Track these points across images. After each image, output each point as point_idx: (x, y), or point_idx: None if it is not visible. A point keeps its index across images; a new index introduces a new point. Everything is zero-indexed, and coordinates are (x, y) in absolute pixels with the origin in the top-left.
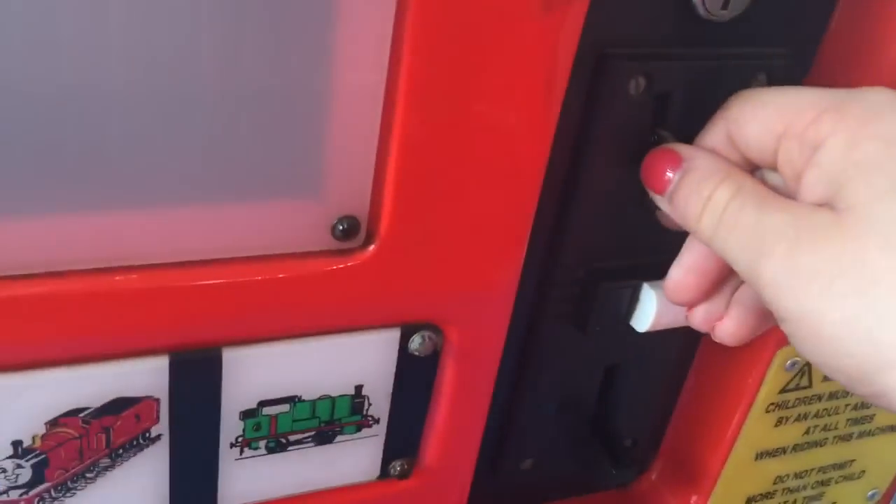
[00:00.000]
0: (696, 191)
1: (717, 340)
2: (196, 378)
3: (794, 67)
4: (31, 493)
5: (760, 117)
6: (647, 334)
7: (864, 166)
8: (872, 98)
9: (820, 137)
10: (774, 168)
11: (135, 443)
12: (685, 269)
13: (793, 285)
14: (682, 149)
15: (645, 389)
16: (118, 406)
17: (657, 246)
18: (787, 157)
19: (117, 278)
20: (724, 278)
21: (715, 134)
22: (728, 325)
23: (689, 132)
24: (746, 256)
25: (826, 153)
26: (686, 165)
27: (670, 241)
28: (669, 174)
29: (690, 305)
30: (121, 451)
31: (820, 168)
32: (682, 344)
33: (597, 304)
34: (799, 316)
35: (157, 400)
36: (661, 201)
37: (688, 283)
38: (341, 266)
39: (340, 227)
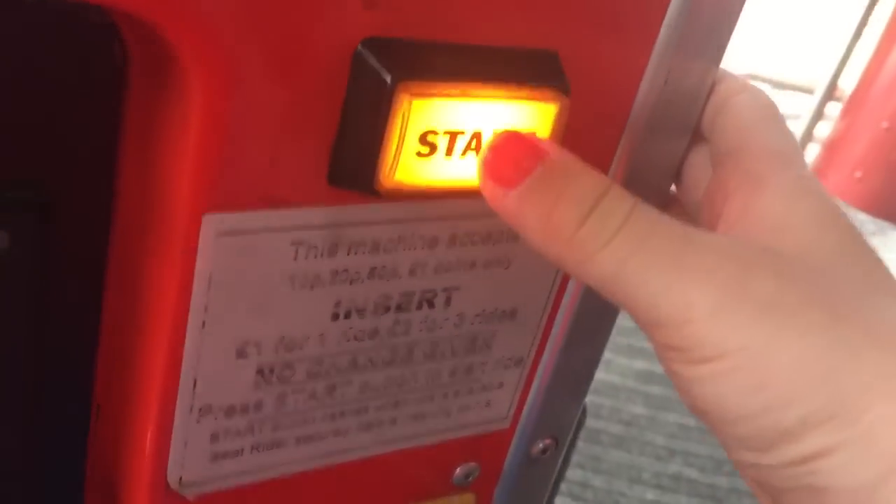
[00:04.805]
0: (571, 192)
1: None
2: None
3: None
4: None
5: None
6: None
7: (816, 217)
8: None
9: (767, 173)
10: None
11: None
12: None
13: (743, 316)
14: (538, 139)
15: None
16: None
17: None
18: (724, 173)
19: None
20: None
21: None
22: None
23: None
24: (665, 281)
25: (774, 191)
26: (552, 158)
27: None
28: (528, 164)
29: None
30: None
31: (762, 203)
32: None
33: None
34: (742, 351)
35: None
36: (497, 199)
37: None
38: None
39: None
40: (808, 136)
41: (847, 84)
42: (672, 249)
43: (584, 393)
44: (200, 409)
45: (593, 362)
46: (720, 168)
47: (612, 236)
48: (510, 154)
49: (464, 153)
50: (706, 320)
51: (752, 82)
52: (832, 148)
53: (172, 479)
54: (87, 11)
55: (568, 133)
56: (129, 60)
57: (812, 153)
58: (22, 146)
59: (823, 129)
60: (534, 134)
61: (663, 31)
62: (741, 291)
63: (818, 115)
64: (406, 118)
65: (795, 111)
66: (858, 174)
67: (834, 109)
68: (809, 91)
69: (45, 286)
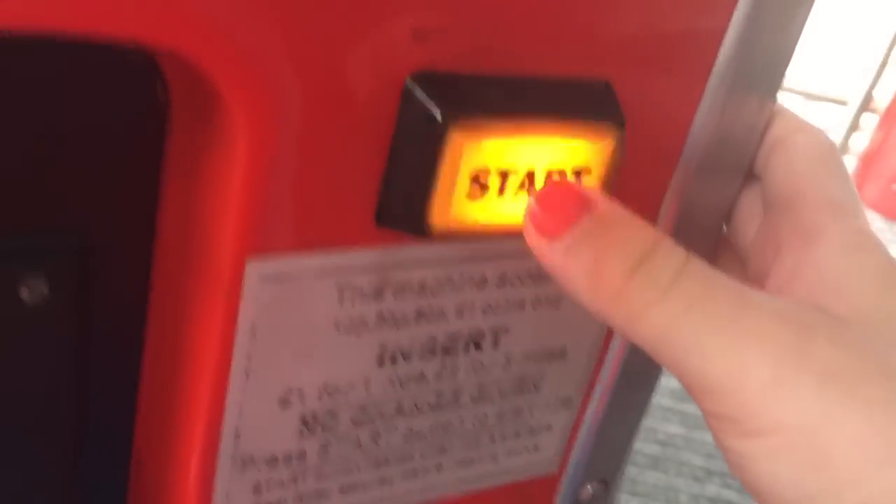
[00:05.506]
0: (619, 244)
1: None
2: None
3: None
4: None
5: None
6: None
7: (873, 276)
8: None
9: (821, 226)
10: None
11: None
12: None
13: (800, 387)
14: (586, 189)
15: None
16: None
17: None
18: (776, 221)
19: None
20: None
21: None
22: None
23: None
24: (718, 345)
25: (828, 246)
26: (599, 210)
27: None
28: (574, 216)
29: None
30: None
31: (815, 258)
32: None
33: None
34: (799, 427)
35: None
36: (542, 251)
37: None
38: None
39: None
40: (842, 148)
41: (881, 96)
42: (727, 310)
43: (634, 434)
44: (243, 460)
45: (644, 402)
46: (771, 214)
47: (663, 293)
48: (556, 204)
49: (516, 193)
50: (762, 390)
51: (785, 94)
52: (868, 160)
53: None
54: (128, 51)
55: (619, 171)
56: (170, 100)
57: (847, 165)
58: (61, 190)
59: (857, 141)
60: (581, 183)
61: (719, 62)
62: (799, 360)
63: (853, 126)
64: (458, 157)
65: (828, 123)
66: (895, 186)
67: (868, 121)
68: (842, 103)
69: (85, 334)
